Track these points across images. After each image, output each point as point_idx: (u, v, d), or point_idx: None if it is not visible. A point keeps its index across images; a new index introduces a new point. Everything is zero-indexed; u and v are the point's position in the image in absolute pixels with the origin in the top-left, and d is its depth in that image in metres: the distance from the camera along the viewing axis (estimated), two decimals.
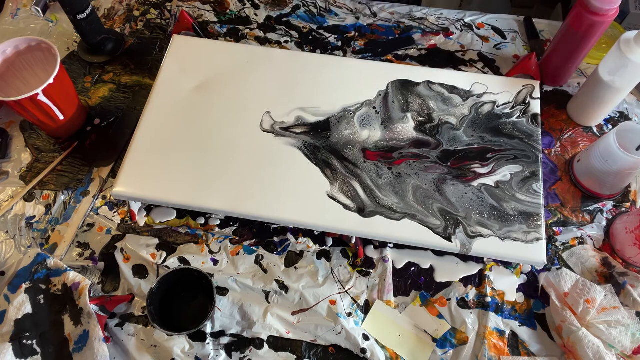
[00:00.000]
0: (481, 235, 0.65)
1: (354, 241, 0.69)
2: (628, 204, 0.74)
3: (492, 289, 0.67)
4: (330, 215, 0.66)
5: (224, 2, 0.95)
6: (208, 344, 0.63)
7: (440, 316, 0.66)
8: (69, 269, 0.65)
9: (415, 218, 0.66)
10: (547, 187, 0.75)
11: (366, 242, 0.70)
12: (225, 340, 0.64)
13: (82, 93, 0.84)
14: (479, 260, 0.69)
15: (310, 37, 0.90)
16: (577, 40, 0.75)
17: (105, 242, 0.71)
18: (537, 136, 0.72)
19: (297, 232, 0.71)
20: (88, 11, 0.79)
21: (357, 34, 0.91)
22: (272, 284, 0.67)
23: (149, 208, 0.73)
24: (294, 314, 0.66)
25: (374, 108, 0.75)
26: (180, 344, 0.63)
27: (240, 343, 0.64)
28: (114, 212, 0.73)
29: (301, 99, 0.75)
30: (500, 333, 0.64)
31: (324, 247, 0.70)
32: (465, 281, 0.68)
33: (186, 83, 0.76)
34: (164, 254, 0.69)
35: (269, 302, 0.66)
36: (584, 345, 0.60)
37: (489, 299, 0.66)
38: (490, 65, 0.87)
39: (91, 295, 0.64)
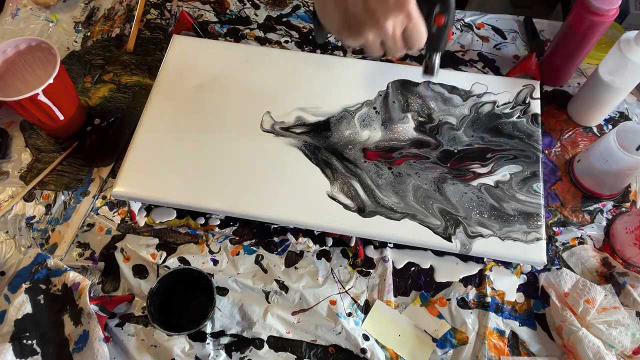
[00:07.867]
0: (481, 235, 0.65)
1: (354, 242, 0.69)
2: (628, 204, 0.74)
3: (492, 289, 0.67)
4: (330, 215, 0.66)
5: (224, 2, 0.95)
6: (208, 344, 0.63)
7: (440, 316, 0.66)
8: (69, 269, 0.65)
9: (415, 218, 0.66)
10: (547, 187, 0.75)
11: (366, 242, 0.70)
12: (225, 340, 0.64)
13: (82, 93, 0.84)
14: (479, 260, 0.69)
15: (310, 37, 0.90)
16: (577, 40, 0.75)
17: (105, 242, 0.71)
18: (537, 136, 0.72)
19: (297, 232, 0.71)
20: None
21: None
22: (272, 284, 0.67)
23: (149, 208, 0.73)
24: (294, 314, 0.66)
25: (374, 108, 0.75)
26: (180, 344, 0.63)
27: (240, 343, 0.64)
28: (114, 212, 0.73)
29: (301, 99, 0.75)
30: (500, 333, 0.64)
31: (324, 247, 0.70)
32: (465, 281, 0.68)
33: (186, 83, 0.76)
34: (164, 254, 0.69)
35: (269, 302, 0.66)
36: (584, 345, 0.60)
37: (489, 299, 0.66)
38: (490, 65, 0.87)
39: (91, 295, 0.64)
